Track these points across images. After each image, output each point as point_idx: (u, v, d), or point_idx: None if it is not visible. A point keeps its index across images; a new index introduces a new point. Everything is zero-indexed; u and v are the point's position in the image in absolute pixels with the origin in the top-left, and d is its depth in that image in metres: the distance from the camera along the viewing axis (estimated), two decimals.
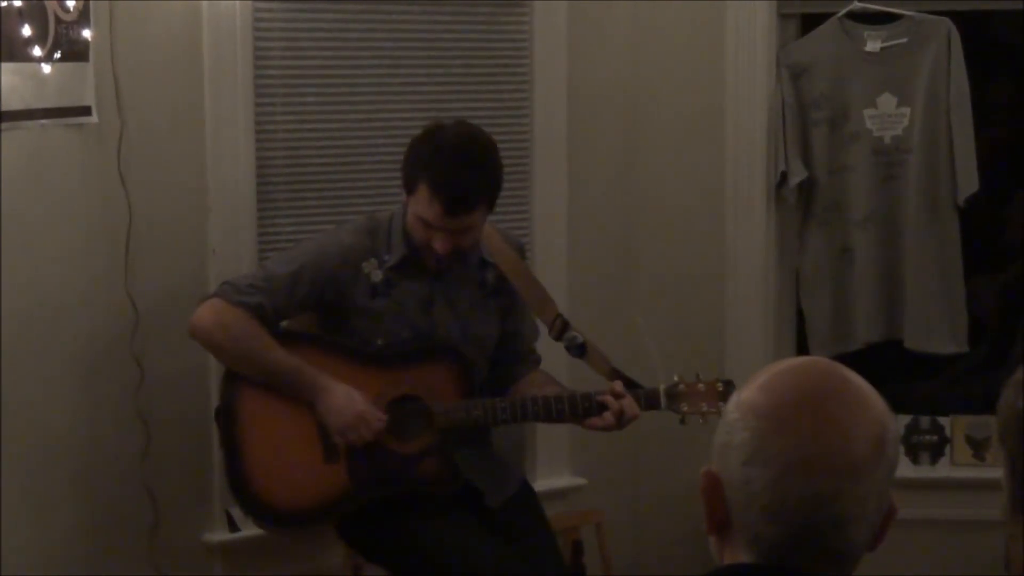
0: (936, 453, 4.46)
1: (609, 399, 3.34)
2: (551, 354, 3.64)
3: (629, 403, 3.35)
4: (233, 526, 3.80)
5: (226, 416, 3.38)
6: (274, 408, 3.35)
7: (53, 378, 3.49)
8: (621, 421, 3.36)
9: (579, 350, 3.46)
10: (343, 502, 3.37)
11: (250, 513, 3.44)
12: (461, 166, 3.28)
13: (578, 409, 3.36)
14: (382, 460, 3.34)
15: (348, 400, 3.30)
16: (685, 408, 3.40)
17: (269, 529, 3.52)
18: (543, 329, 3.56)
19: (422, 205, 3.29)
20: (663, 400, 3.39)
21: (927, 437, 4.46)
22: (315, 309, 3.43)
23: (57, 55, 3.32)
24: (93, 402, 3.60)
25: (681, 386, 3.40)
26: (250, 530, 3.79)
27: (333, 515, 3.41)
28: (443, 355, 3.41)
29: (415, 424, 3.36)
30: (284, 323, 3.46)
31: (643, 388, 3.40)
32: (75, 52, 3.40)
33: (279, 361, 3.32)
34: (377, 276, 3.38)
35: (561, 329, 3.47)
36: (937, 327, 4.30)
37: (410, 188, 3.32)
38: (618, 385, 3.38)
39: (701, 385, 3.40)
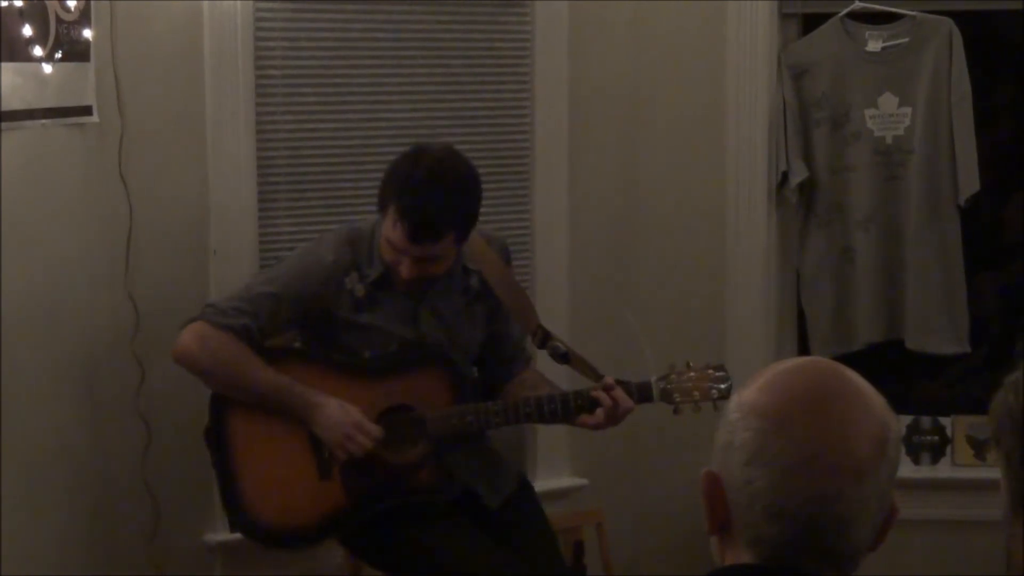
0: (937, 453, 4.46)
1: (600, 394, 3.30)
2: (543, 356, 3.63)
3: (621, 395, 3.30)
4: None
5: (217, 439, 3.32)
6: (264, 428, 3.29)
7: (53, 378, 3.48)
8: (615, 415, 3.32)
9: (563, 358, 3.42)
10: (343, 519, 3.32)
11: (250, 536, 3.38)
12: (431, 193, 3.19)
13: (570, 406, 3.32)
14: (378, 472, 3.30)
15: (343, 413, 3.25)
16: (678, 399, 3.36)
17: (270, 548, 3.46)
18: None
19: (389, 227, 3.22)
20: (656, 392, 3.35)
21: (928, 437, 4.45)
22: (301, 326, 3.38)
23: (58, 55, 3.31)
24: (94, 402, 3.60)
25: (672, 376, 3.35)
26: None
27: (334, 532, 3.38)
28: (432, 362, 3.36)
29: (409, 434, 3.31)
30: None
31: (635, 382, 3.36)
32: (76, 52, 3.40)
33: (269, 381, 3.26)
34: (360, 291, 3.32)
35: (543, 338, 3.44)
36: (938, 327, 4.29)
37: (381, 207, 3.26)
38: (609, 379, 3.34)
39: (693, 373, 3.35)
